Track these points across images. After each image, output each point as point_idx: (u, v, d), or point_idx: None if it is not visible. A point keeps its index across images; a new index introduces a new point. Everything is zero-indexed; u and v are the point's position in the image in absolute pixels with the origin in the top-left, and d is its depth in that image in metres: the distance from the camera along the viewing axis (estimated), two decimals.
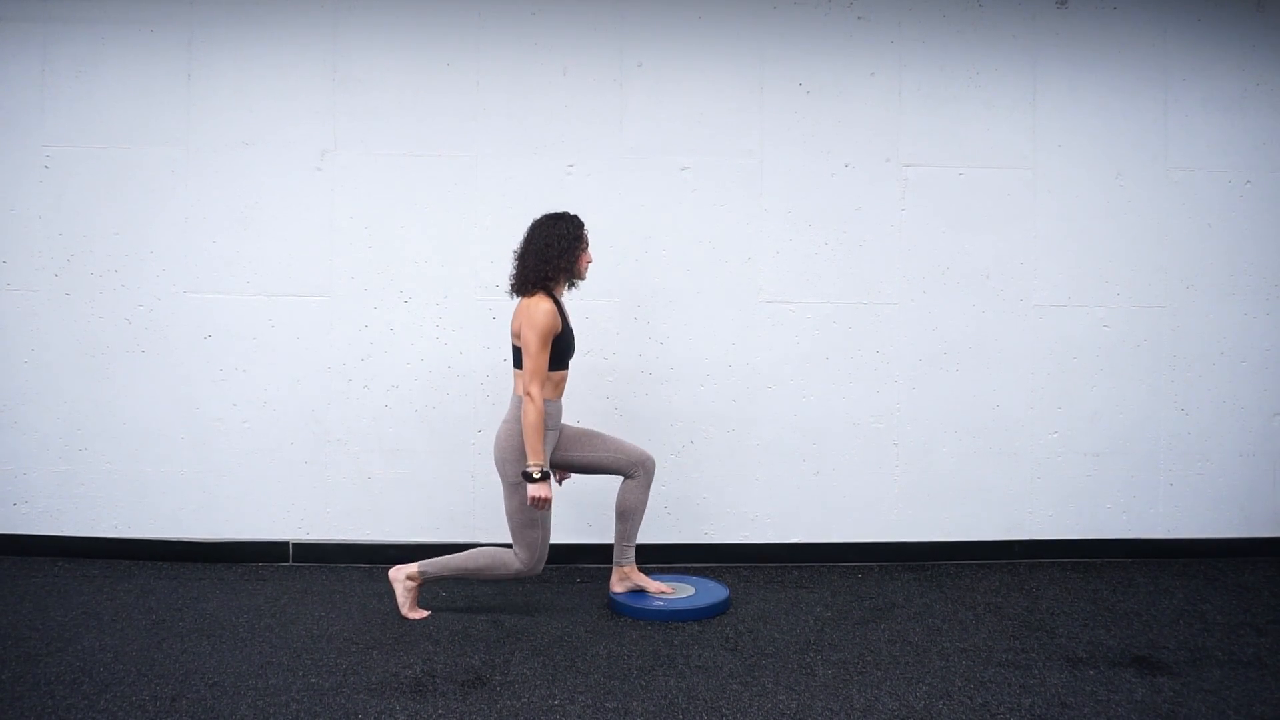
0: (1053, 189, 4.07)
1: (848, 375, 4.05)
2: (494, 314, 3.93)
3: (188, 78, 3.91)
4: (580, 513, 3.92)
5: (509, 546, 3.32)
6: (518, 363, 3.25)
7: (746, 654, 3.07)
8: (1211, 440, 4.13)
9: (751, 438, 4.03)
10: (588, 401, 3.93)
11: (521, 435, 3.18)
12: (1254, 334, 4.13)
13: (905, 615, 3.44)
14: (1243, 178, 4.10)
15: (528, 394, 3.14)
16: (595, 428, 3.86)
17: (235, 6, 3.90)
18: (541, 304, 3.19)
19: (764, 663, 3.00)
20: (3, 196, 3.90)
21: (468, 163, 3.95)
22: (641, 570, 3.57)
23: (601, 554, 3.84)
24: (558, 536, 3.61)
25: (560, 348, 3.24)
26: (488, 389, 3.96)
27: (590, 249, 3.41)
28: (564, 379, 3.33)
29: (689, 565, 4.00)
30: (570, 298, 3.46)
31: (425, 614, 3.36)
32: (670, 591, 3.50)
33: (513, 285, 3.30)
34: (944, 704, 2.71)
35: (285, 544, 3.97)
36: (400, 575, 3.34)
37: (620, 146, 3.98)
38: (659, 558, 3.96)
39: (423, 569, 3.32)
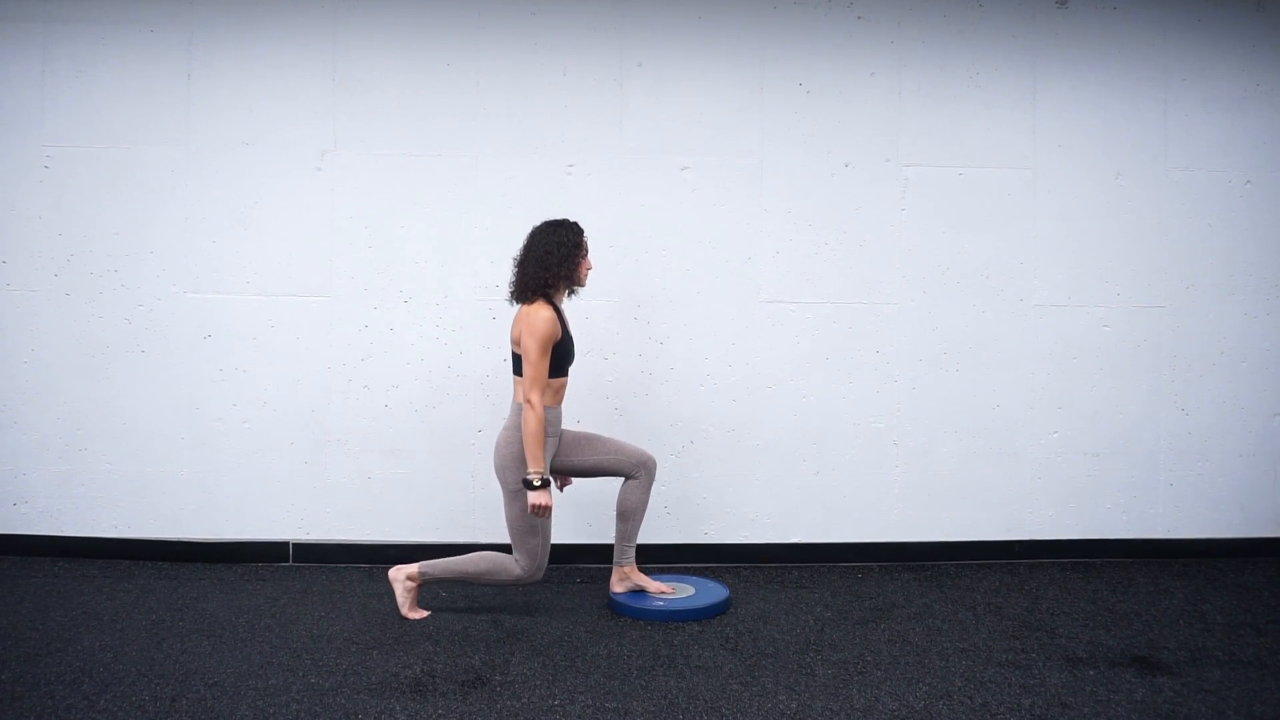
0: (1053, 189, 4.07)
1: (848, 375, 4.05)
2: (494, 314, 3.93)
3: (188, 78, 3.91)
4: (580, 513, 3.92)
5: (510, 550, 3.32)
6: (517, 370, 3.25)
7: (746, 654, 3.07)
8: (1211, 440, 4.13)
9: (751, 438, 4.03)
10: (588, 402, 3.93)
11: (522, 443, 3.18)
12: (1254, 334, 4.13)
13: (905, 615, 3.44)
14: (1243, 178, 4.10)
15: (528, 401, 3.14)
16: (594, 430, 3.87)
17: (235, 6, 3.90)
18: (541, 311, 3.18)
19: (764, 663, 3.00)
20: (3, 196, 3.90)
21: (468, 163, 3.95)
22: (641, 570, 3.57)
23: (601, 554, 3.84)
24: (558, 537, 3.61)
25: (560, 355, 3.24)
26: (488, 389, 3.96)
27: (590, 255, 3.41)
28: (564, 386, 3.33)
29: (689, 565, 4.00)
30: (570, 298, 3.46)
31: (425, 614, 3.36)
32: (670, 591, 3.50)
33: (513, 292, 3.30)
34: (944, 704, 2.71)
35: (285, 544, 3.97)
36: (400, 575, 3.34)
37: (620, 146, 3.98)
38: (659, 558, 3.96)
39: (423, 570, 3.32)
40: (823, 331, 4.03)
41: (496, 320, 3.93)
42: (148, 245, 3.92)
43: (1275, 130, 4.11)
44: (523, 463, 3.18)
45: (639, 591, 3.48)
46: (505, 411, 3.89)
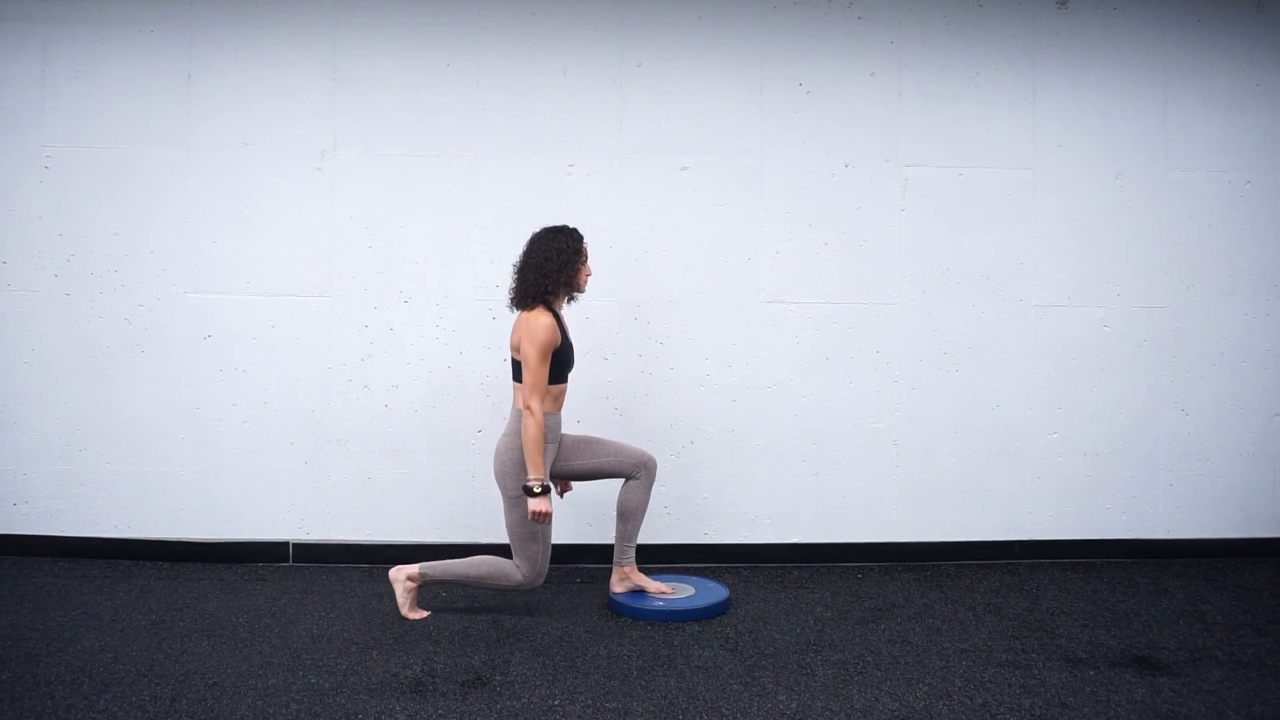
0: (1053, 189, 4.07)
1: (848, 375, 4.05)
2: (494, 314, 3.93)
3: (188, 78, 3.91)
4: (580, 513, 3.92)
5: (510, 554, 3.32)
6: (517, 376, 3.24)
7: (746, 654, 3.07)
8: (1211, 440, 4.13)
9: (751, 438, 4.03)
10: (587, 402, 3.93)
11: (521, 449, 3.18)
12: (1254, 334, 4.13)
13: (905, 615, 3.44)
14: (1243, 178, 4.10)
15: (527, 408, 3.14)
16: (593, 432, 3.88)
17: (235, 6, 3.91)
18: (541, 318, 3.18)
19: (764, 663, 3.00)
20: (3, 196, 3.90)
21: (468, 163, 3.95)
22: (641, 570, 3.57)
23: (601, 554, 3.84)
24: (558, 537, 3.61)
25: (560, 361, 3.24)
26: (488, 389, 3.96)
27: (589, 261, 3.41)
28: (563, 392, 3.33)
29: (689, 565, 4.00)
30: (569, 304, 3.46)
31: (425, 614, 3.36)
32: (670, 592, 3.50)
33: (512, 299, 3.30)
34: (944, 704, 2.71)
35: (285, 544, 3.97)
36: (401, 576, 3.34)
37: (620, 146, 3.98)
38: (659, 558, 3.96)
39: (424, 571, 3.32)
40: (823, 331, 4.03)
41: (496, 320, 3.93)
42: (148, 245, 3.92)
43: (1275, 130, 4.11)
44: (523, 469, 3.18)
45: (639, 591, 3.48)
46: (505, 411, 3.89)
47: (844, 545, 4.06)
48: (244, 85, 3.91)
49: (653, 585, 3.49)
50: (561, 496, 3.57)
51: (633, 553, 3.46)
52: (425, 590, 3.57)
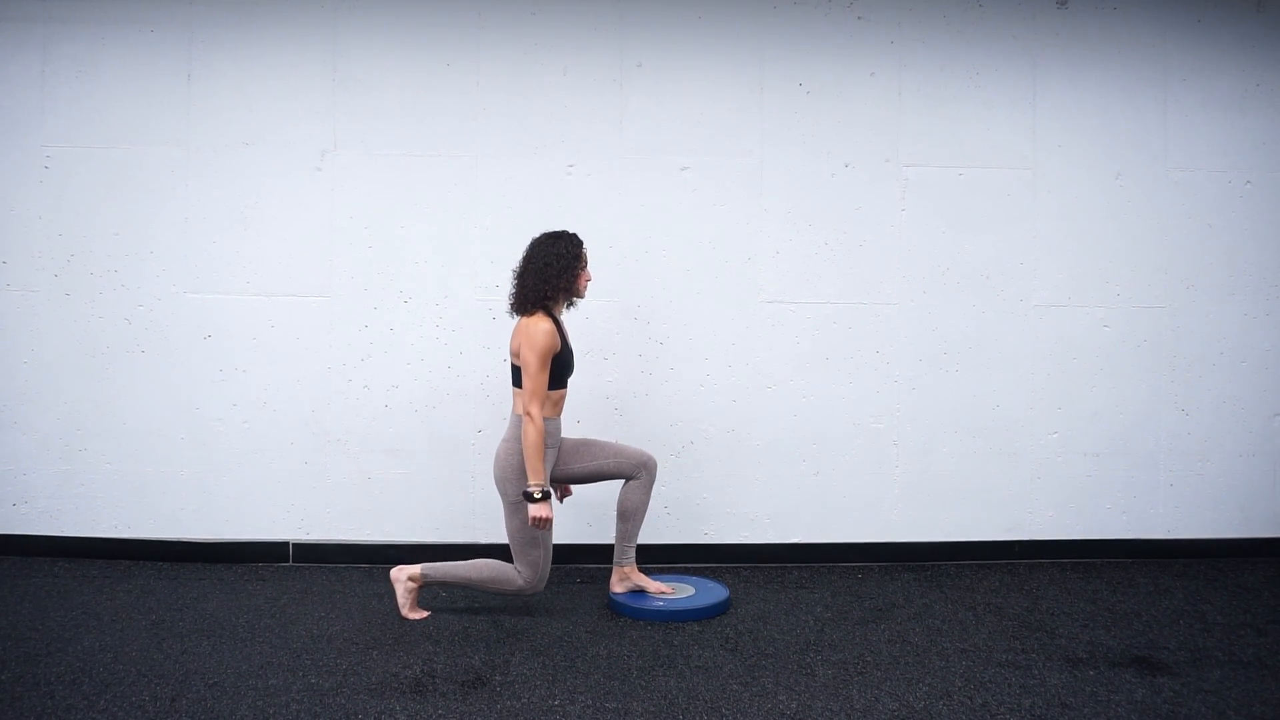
0: (1053, 189, 4.07)
1: (848, 375, 4.05)
2: (494, 314, 3.93)
3: (188, 78, 3.91)
4: (580, 513, 3.92)
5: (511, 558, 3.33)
6: (516, 382, 3.25)
7: (746, 654, 3.07)
8: (1211, 440, 4.13)
9: (751, 438, 4.03)
10: (587, 402, 3.93)
11: (521, 455, 3.18)
12: (1254, 334, 4.13)
13: (905, 615, 3.44)
14: (1243, 178, 4.10)
15: (527, 414, 3.14)
16: (592, 434, 3.88)
17: (235, 6, 3.90)
18: (541, 324, 3.18)
19: (764, 663, 3.00)
20: (3, 196, 3.90)
21: (468, 163, 3.95)
22: (641, 570, 3.57)
23: (601, 554, 3.84)
24: (558, 537, 3.61)
25: (559, 366, 3.24)
26: (488, 389, 3.96)
27: (589, 266, 3.41)
28: (563, 397, 3.33)
29: (689, 565, 4.00)
30: (569, 310, 3.46)
31: (425, 614, 3.36)
32: (670, 592, 3.50)
33: (512, 305, 3.30)
34: (944, 704, 2.71)
35: (285, 544, 3.97)
36: (402, 576, 3.34)
37: (620, 146, 3.98)
38: (659, 558, 3.96)
39: (425, 572, 3.32)
40: (823, 331, 4.03)
41: (496, 320, 3.93)
42: (148, 245, 3.92)
43: (1275, 130, 4.11)
44: (523, 475, 3.18)
45: (639, 591, 3.48)
46: (505, 411, 3.90)
47: (844, 545, 4.06)
48: (244, 85, 3.91)
49: (653, 585, 3.49)
50: (561, 501, 3.58)
51: (633, 553, 3.46)
52: (425, 590, 3.57)
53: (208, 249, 3.92)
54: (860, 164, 4.02)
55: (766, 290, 4.02)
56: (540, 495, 3.14)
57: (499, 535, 3.61)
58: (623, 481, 3.44)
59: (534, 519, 3.15)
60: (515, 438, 3.22)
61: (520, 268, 3.29)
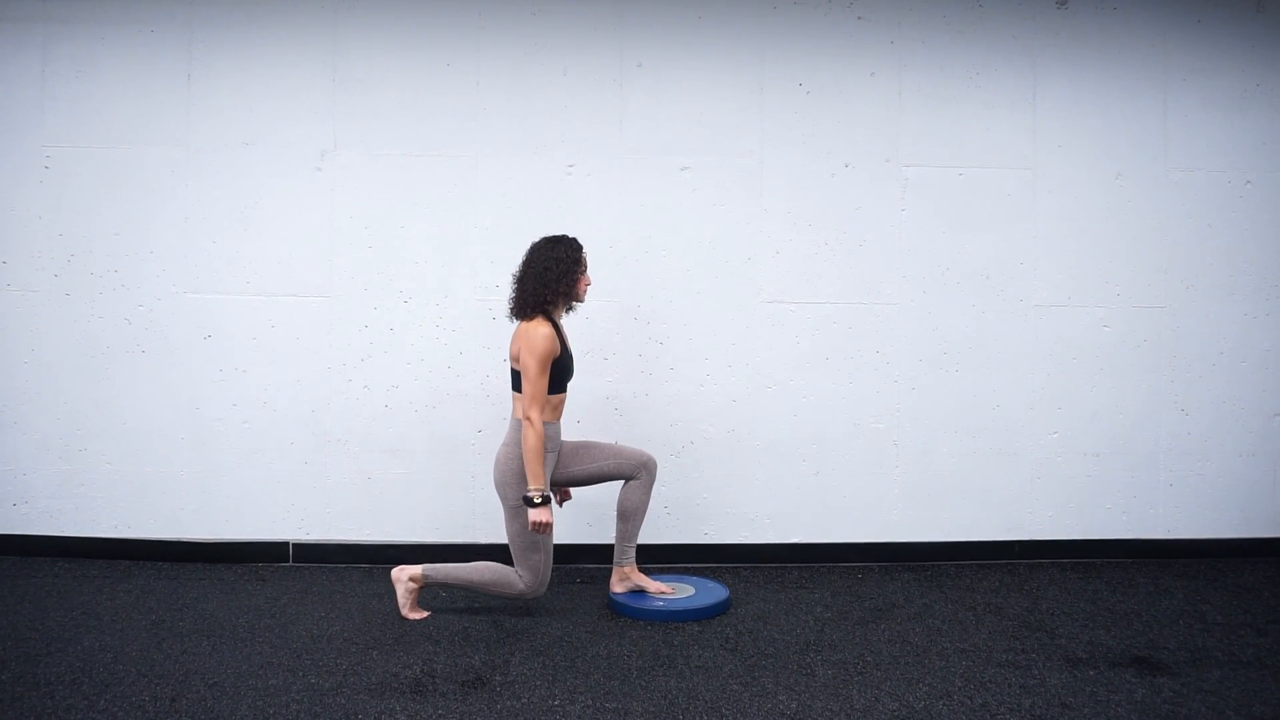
0: (1053, 189, 4.07)
1: (848, 375, 4.05)
2: (494, 314, 3.93)
3: (188, 78, 3.91)
4: (580, 513, 3.92)
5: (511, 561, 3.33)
6: (516, 386, 3.25)
7: (746, 654, 3.07)
8: (1211, 440, 4.13)
9: (751, 438, 4.03)
10: (587, 402, 3.93)
11: (521, 459, 3.18)
12: (1254, 334, 4.13)
13: (905, 615, 3.44)
14: (1243, 178, 4.10)
15: (527, 418, 3.15)
16: (592, 435, 3.88)
17: (235, 6, 3.91)
18: (540, 328, 3.18)
19: (764, 663, 3.00)
20: (3, 196, 3.90)
21: (468, 163, 3.95)
22: (642, 570, 3.57)
23: (601, 554, 3.84)
24: (558, 537, 3.61)
25: (559, 371, 3.24)
26: (488, 389, 3.96)
27: (589, 271, 3.41)
28: (563, 401, 3.33)
29: (689, 565, 4.00)
30: (568, 314, 3.46)
31: (425, 614, 3.36)
32: (670, 592, 3.50)
33: (511, 309, 3.30)
34: (944, 704, 2.71)
35: (285, 544, 3.97)
36: (403, 576, 3.34)
37: (620, 146, 3.98)
38: (659, 558, 3.96)
39: (426, 573, 3.32)
40: (823, 332, 4.03)
41: (496, 320, 3.93)
42: (148, 245, 3.92)
43: (1275, 130, 4.11)
44: (523, 479, 3.19)
45: (639, 591, 3.48)
46: (505, 411, 3.90)
47: (844, 545, 4.06)
48: (244, 85, 3.91)
49: (653, 585, 3.49)
50: (561, 505, 3.58)
51: (633, 553, 3.46)
52: (425, 590, 3.57)
53: (208, 249, 3.92)
54: (860, 164, 4.02)
55: (766, 290, 4.02)
56: (540, 500, 3.14)
57: (499, 535, 3.61)
58: (623, 482, 3.44)
59: (534, 524, 3.15)
60: (515, 442, 3.22)
61: (520, 272, 3.29)
